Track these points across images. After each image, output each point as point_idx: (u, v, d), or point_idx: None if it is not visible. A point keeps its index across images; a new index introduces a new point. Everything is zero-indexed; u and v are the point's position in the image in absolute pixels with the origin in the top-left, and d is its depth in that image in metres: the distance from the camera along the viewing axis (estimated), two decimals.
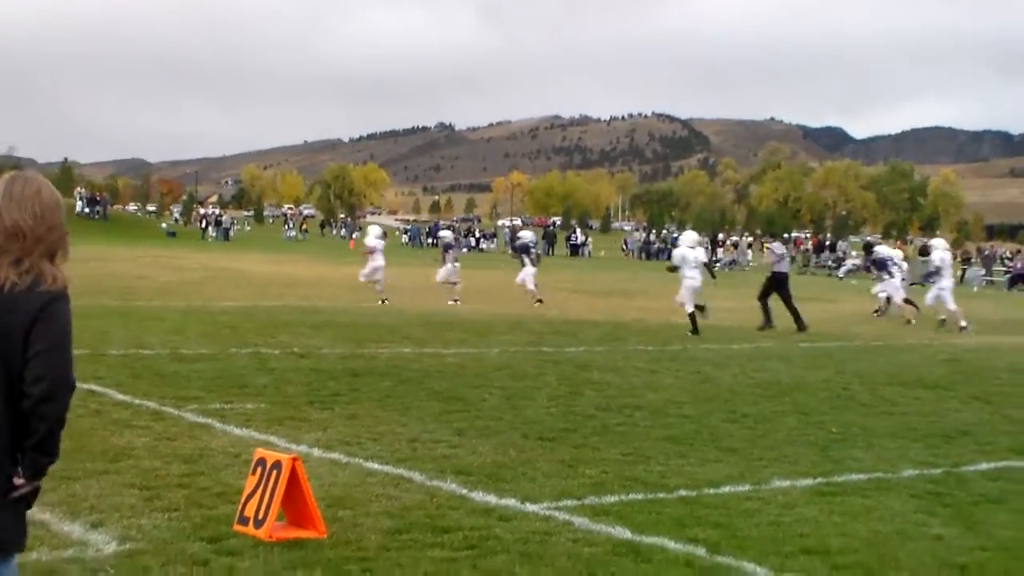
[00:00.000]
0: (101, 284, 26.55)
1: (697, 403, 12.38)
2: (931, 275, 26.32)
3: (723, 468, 8.84)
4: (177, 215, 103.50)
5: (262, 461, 6.34)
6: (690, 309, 21.13)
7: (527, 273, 27.12)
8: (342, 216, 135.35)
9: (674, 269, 22.14)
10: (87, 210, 73.83)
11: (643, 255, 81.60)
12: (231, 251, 55.91)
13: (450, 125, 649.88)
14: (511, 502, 7.35)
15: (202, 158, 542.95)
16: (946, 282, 25.65)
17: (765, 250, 28.69)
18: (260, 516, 6.18)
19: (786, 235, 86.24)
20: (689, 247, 22.28)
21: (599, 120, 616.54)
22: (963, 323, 24.70)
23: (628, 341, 19.50)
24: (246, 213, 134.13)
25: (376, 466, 8.25)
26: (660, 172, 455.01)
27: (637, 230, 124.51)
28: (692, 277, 21.43)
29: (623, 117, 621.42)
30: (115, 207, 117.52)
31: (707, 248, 23.95)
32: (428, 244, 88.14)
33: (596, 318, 23.85)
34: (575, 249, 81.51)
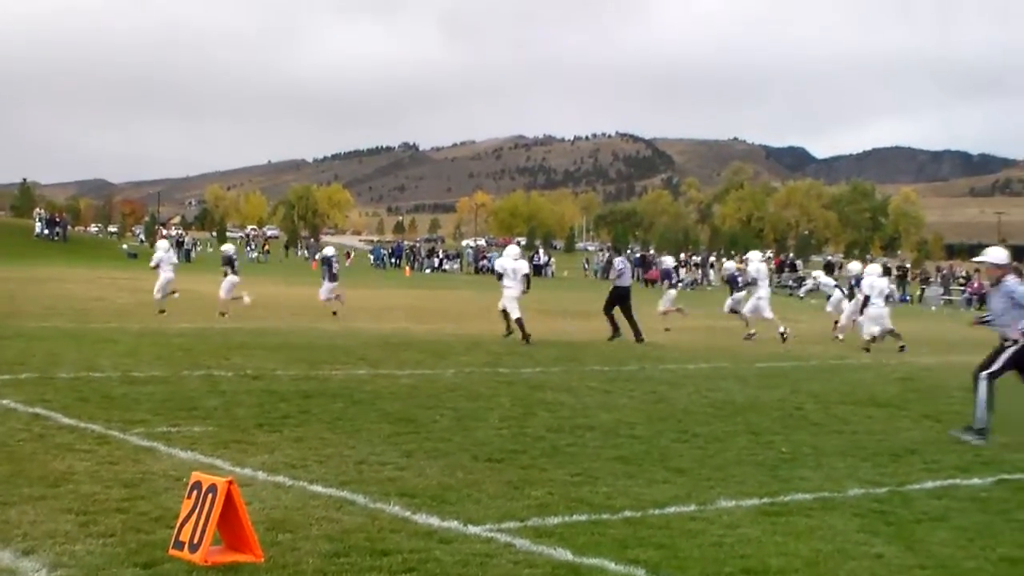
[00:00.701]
0: (56, 306, 26.42)
1: (649, 423, 12.39)
2: (748, 285, 28.29)
3: (670, 489, 8.83)
4: (142, 236, 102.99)
5: (197, 484, 6.28)
6: (516, 315, 22.64)
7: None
8: (305, 236, 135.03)
9: (499, 278, 23.83)
10: (46, 231, 73.24)
11: (605, 275, 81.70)
12: (192, 272, 55.47)
13: (414, 145, 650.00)
14: (453, 524, 7.31)
15: (165, 179, 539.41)
16: (763, 292, 27.14)
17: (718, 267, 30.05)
18: (195, 540, 6.11)
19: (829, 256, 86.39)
20: (512, 259, 23.94)
21: (563, 140, 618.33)
22: (780, 331, 26.12)
23: (584, 361, 19.51)
24: (209, 234, 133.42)
25: (320, 489, 8.19)
26: (624, 192, 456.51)
27: (601, 250, 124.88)
28: (510, 287, 23.13)
29: (587, 137, 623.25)
30: (76, 228, 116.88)
31: (531, 261, 25.86)
32: (391, 264, 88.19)
33: (553, 338, 23.85)
34: (537, 269, 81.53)
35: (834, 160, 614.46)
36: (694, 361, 20.49)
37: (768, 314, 26.70)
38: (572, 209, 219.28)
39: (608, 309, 25.15)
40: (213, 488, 6.17)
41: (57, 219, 79.10)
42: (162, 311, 26.20)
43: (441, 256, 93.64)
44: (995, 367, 12.27)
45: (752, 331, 26.77)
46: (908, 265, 73.08)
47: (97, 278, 42.59)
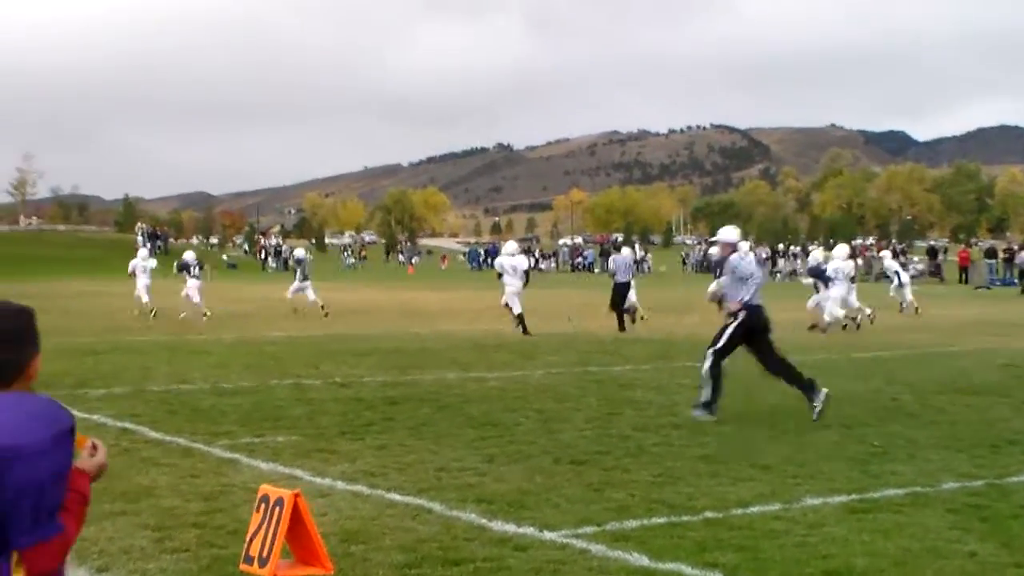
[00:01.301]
0: (154, 320, 26.82)
1: (738, 420, 12.17)
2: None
3: (754, 487, 8.62)
4: (246, 247, 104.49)
5: (265, 498, 6.23)
6: (517, 311, 23.63)
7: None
8: (402, 241, 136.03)
9: (500, 276, 24.69)
10: (148, 245, 74.67)
11: (702, 269, 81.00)
12: (289, 281, 56.22)
13: (508, 145, 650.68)
14: (529, 530, 7.20)
15: (265, 189, 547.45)
16: (836, 290, 25.74)
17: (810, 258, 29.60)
18: (264, 554, 6.06)
19: (854, 241, 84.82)
20: (508, 255, 25.02)
21: (657, 134, 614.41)
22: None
23: (676, 358, 19.26)
24: (308, 242, 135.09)
25: (397, 497, 8.14)
26: (721, 184, 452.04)
27: (699, 244, 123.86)
28: (511, 283, 23.94)
29: (681, 130, 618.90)
30: (179, 240, 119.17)
31: (530, 256, 27.44)
32: (487, 265, 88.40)
33: (646, 335, 23.63)
34: (635, 265, 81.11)
35: (936, 143, 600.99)
36: (789, 354, 20.09)
37: (836, 311, 25.69)
38: (669, 203, 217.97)
39: (615, 305, 25.65)
40: (280, 501, 6.12)
41: (158, 233, 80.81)
42: (152, 312, 28.38)
43: (537, 255, 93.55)
44: (721, 343, 12.51)
45: (852, 318, 26.30)
46: (1016, 247, 71.22)
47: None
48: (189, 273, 30.00)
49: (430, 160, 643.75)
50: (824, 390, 12.25)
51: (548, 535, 7.09)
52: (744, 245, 15.25)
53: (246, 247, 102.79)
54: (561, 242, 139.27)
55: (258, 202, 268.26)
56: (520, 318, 23.66)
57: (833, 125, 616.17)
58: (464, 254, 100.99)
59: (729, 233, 13.52)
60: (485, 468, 9.29)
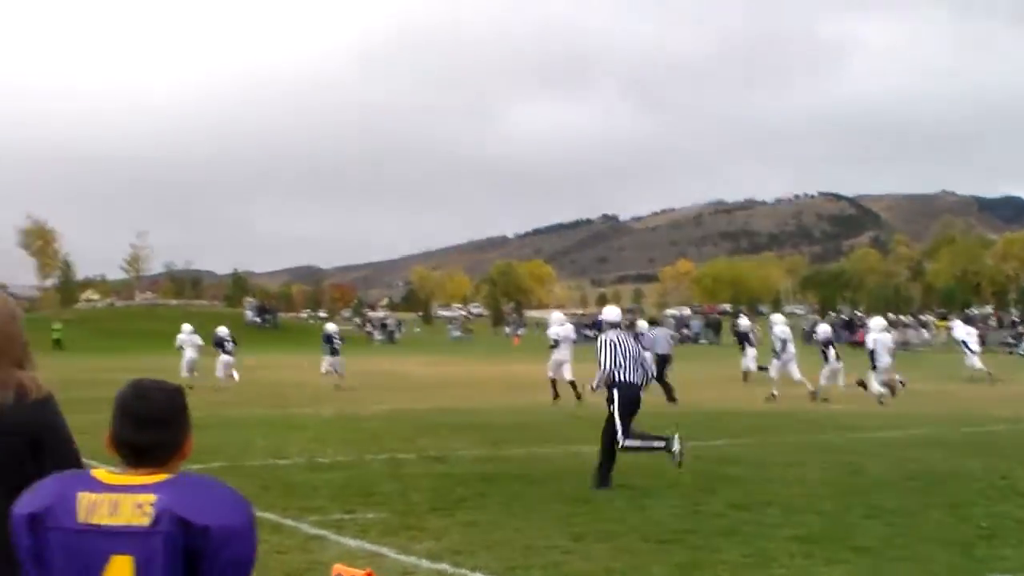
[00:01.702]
0: (256, 393, 27.17)
1: (837, 497, 11.83)
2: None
3: (849, 570, 8.36)
4: (357, 320, 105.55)
5: None
6: (569, 378, 24.84)
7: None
8: (508, 312, 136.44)
9: (553, 345, 25.83)
10: (257, 319, 76.10)
11: (809, 340, 79.70)
12: (394, 354, 56.81)
13: (614, 216, 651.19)
14: None
15: (373, 262, 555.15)
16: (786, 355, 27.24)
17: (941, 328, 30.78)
18: None
19: (967, 312, 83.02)
20: (559, 325, 26.53)
21: (764, 202, 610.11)
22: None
23: (777, 431, 18.93)
24: (416, 315, 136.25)
25: None
26: (830, 252, 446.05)
27: (809, 314, 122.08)
28: (560, 353, 25.39)
29: (789, 199, 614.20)
30: (289, 314, 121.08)
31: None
32: (584, 337, 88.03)
33: (747, 407, 23.25)
34: (742, 337, 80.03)
35: None
36: (899, 427, 19.62)
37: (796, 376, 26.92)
38: (777, 272, 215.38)
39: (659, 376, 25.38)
40: None
41: (266, 306, 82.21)
42: (190, 387, 27.83)
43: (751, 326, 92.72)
44: (618, 428, 12.80)
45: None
46: None
47: (302, 364, 43.78)
48: (223, 349, 31.23)
49: (536, 232, 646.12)
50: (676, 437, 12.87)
51: None
52: (643, 324, 16.19)
53: (357, 320, 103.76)
54: (668, 312, 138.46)
55: (366, 275, 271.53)
56: (573, 384, 24.50)
57: (944, 191, 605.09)
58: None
59: (608, 313, 14.09)
60: (572, 546, 9.15)
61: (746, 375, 33.43)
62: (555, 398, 24.97)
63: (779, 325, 28.90)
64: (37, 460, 3.56)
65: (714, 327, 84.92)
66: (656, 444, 13.01)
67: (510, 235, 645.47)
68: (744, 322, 36.47)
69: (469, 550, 8.98)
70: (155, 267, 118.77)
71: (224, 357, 31.00)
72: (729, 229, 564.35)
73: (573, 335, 26.66)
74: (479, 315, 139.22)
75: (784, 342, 27.46)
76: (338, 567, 6.40)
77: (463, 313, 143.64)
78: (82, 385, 31.42)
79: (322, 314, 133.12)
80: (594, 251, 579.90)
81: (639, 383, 13.04)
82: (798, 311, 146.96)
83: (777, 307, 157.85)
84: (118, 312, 75.37)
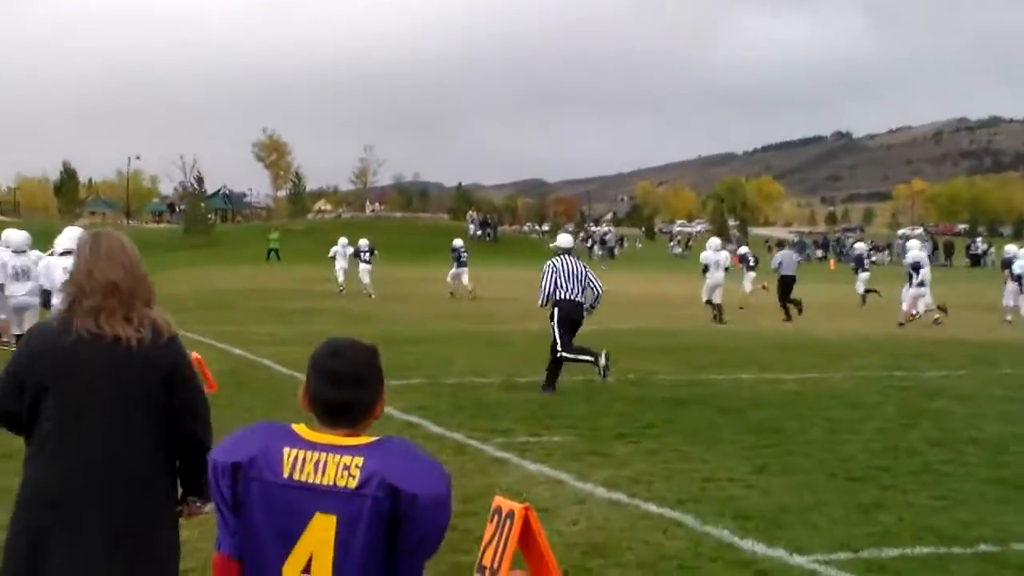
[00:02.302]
0: (465, 308, 27.58)
1: None
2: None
3: None
4: (581, 235, 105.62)
5: (498, 509, 6.25)
6: (716, 300, 26.20)
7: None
8: (732, 228, 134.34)
9: (705, 269, 26.99)
10: (479, 232, 77.08)
11: None
12: (613, 270, 56.66)
13: (847, 133, 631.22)
14: (779, 553, 6.89)
15: (598, 176, 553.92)
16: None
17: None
18: (495, 566, 6.08)
19: None
20: (714, 251, 27.46)
21: (1011, 120, 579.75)
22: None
23: (997, 364, 18.08)
24: (639, 230, 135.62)
25: (654, 508, 7.99)
26: None
27: None
28: (712, 276, 26.53)
29: None
30: (512, 227, 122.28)
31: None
32: (818, 258, 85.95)
33: (969, 336, 22.31)
34: (975, 259, 76.79)
35: None
36: None
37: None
38: (1022, 194, 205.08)
39: (782, 298, 27.67)
40: (511, 515, 6.12)
41: (488, 220, 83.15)
42: (341, 290, 34.41)
43: (868, 248, 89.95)
44: (556, 339, 14.19)
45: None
46: None
47: (517, 278, 44.18)
48: (360, 258, 34.41)
49: (765, 148, 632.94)
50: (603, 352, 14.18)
51: (797, 559, 6.77)
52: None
53: (581, 235, 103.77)
54: (900, 232, 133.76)
55: (588, 190, 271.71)
56: (719, 308, 26.05)
57: None
58: (791, 244, 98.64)
59: (561, 239, 15.64)
60: (754, 480, 9.00)
61: (863, 298, 32.91)
62: (717, 320, 25.92)
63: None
64: (169, 394, 3.74)
65: (947, 249, 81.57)
66: (585, 358, 14.19)
67: (739, 152, 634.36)
68: (860, 245, 36.59)
69: (647, 480, 8.93)
70: (384, 179, 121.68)
71: (362, 266, 34.17)
72: (970, 148, 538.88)
73: (726, 261, 27.56)
74: (700, 232, 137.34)
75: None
76: (498, 499, 6.48)
77: (691, 229, 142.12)
78: (287, 295, 32.68)
79: (544, 227, 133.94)
80: (825, 168, 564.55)
81: (580, 301, 14.46)
82: None
83: (1021, 230, 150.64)
84: (343, 224, 77.50)
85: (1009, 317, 26.54)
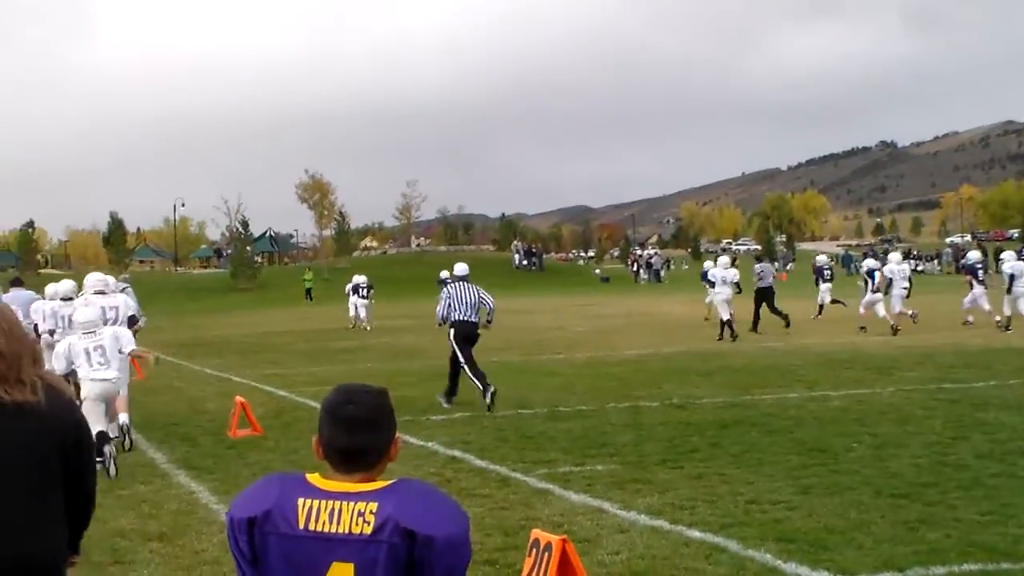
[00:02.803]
0: (513, 339, 27.55)
1: None
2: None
3: None
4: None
5: (536, 542, 6.25)
6: (724, 317, 26.30)
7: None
8: (780, 245, 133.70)
9: (712, 285, 28.41)
10: (524, 262, 77.15)
11: None
12: (659, 293, 56.56)
13: (892, 143, 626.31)
14: (822, 575, 6.82)
15: (643, 199, 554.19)
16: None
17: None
18: None
19: None
20: (723, 268, 28.33)
21: None
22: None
23: None
24: (685, 251, 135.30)
25: (697, 534, 7.93)
26: None
27: None
28: (721, 292, 27.24)
29: None
30: (558, 255, 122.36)
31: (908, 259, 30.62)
32: (855, 270, 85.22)
33: (1022, 344, 22.01)
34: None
35: None
36: None
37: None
38: None
39: (760, 306, 29.01)
40: (549, 547, 6.12)
41: (533, 249, 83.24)
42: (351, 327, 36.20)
43: (915, 256, 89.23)
44: (458, 354, 16.04)
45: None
46: None
47: (565, 306, 44.20)
48: (359, 294, 36.45)
49: (809, 162, 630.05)
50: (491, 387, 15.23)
51: None
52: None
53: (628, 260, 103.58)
54: (949, 240, 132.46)
55: (636, 212, 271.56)
56: (726, 323, 26.17)
57: None
58: (838, 258, 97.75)
59: (458, 268, 17.41)
60: (798, 501, 8.90)
61: (820, 308, 33.03)
62: (722, 336, 26.30)
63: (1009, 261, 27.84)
64: (68, 456, 3.63)
65: (996, 255, 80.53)
66: (479, 384, 15.44)
67: (783, 167, 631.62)
68: (821, 258, 36.02)
69: (691, 505, 8.87)
70: (429, 213, 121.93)
71: (358, 300, 36.32)
72: (1019, 151, 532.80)
73: (735, 277, 28.07)
74: (747, 250, 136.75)
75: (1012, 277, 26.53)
76: (536, 532, 6.48)
77: (730, 249, 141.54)
78: (332, 335, 32.80)
79: (590, 254, 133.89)
80: (871, 179, 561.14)
81: (474, 321, 16.41)
82: None
83: None
84: (388, 260, 78.13)
85: (971, 318, 28.13)
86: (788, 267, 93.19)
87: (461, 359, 15.92)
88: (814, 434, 12.21)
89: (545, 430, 13.14)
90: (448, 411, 14.85)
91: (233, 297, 68.83)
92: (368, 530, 2.75)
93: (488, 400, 15.04)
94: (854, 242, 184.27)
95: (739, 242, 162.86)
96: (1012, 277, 26.07)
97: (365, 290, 36.53)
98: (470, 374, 15.69)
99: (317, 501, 2.81)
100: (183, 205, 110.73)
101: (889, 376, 17.64)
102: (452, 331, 16.31)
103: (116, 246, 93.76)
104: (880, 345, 23.06)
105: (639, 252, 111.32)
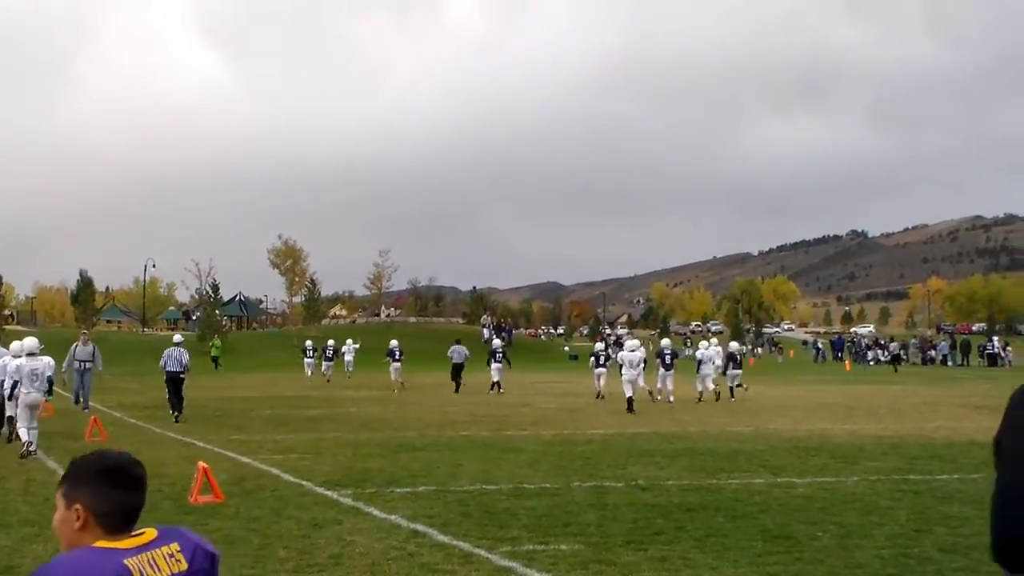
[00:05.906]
0: (478, 414, 27.45)
1: None
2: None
3: None
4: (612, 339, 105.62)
5: None
6: (628, 394, 29.12)
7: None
8: (747, 329, 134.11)
9: (619, 367, 30.75)
10: (493, 337, 76.97)
11: None
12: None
13: (863, 232, 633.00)
14: None
15: (614, 279, 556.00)
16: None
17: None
18: None
19: None
20: (631, 351, 30.89)
21: None
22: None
23: None
24: (650, 332, 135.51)
25: None
26: None
27: None
28: (627, 372, 29.87)
29: None
30: (527, 331, 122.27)
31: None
32: (835, 358, 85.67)
33: (983, 439, 22.07)
34: (992, 359, 76.29)
35: None
36: None
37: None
38: None
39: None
40: None
41: (503, 324, 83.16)
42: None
43: (873, 346, 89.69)
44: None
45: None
46: None
47: (532, 383, 44.16)
48: (393, 358, 41.23)
49: (780, 248, 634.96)
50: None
51: None
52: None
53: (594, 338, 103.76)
54: (921, 331, 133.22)
55: (607, 291, 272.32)
56: (630, 401, 28.83)
57: None
58: (807, 343, 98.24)
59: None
60: None
61: (731, 391, 35.22)
62: (628, 410, 28.60)
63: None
64: None
65: (963, 349, 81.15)
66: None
67: (754, 252, 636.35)
68: (733, 344, 39.44)
69: None
70: (400, 284, 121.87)
71: (394, 364, 41.04)
72: (987, 246, 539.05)
73: (642, 355, 31.09)
74: (718, 332, 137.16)
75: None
76: None
77: (713, 328, 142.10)
78: (299, 401, 32.55)
79: (560, 331, 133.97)
80: (841, 268, 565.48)
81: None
82: None
83: None
84: (356, 329, 77.92)
85: (659, 397, 32.84)
86: (756, 352, 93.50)
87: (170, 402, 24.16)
88: (779, 521, 12.17)
89: (509, 507, 13.03)
90: (412, 484, 14.72)
91: (199, 361, 68.31)
92: (185, 566, 3.00)
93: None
94: (822, 329, 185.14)
95: (708, 324, 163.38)
96: None
97: (398, 353, 41.25)
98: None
99: (135, 558, 2.90)
100: (154, 266, 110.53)
101: (855, 465, 17.63)
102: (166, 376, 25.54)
103: (84, 304, 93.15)
104: (847, 434, 23.07)
105: (608, 331, 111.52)
